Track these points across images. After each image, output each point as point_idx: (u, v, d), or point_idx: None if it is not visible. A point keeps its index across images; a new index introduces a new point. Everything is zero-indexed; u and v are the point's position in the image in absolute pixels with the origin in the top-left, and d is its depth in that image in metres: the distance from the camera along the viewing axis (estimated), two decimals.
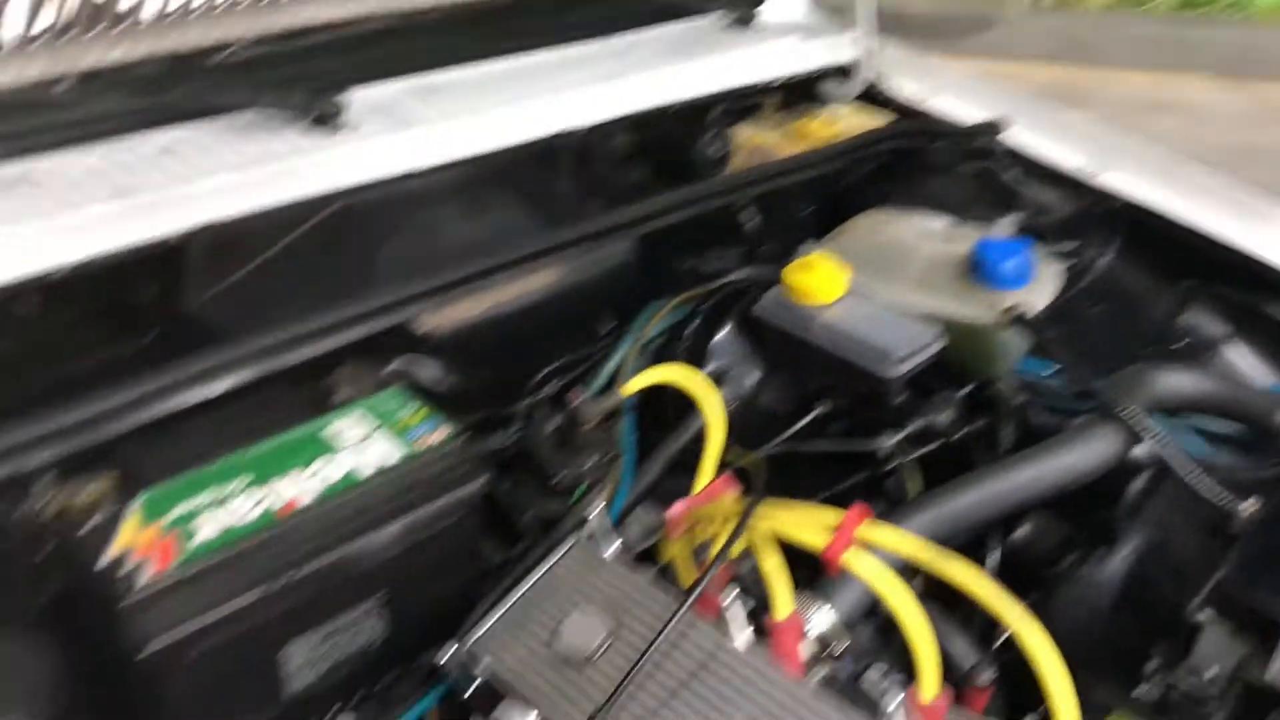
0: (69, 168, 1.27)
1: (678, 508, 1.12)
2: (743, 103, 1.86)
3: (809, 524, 1.04)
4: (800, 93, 1.92)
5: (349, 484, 1.05)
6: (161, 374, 1.09)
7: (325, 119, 1.42)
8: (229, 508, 1.01)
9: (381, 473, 1.07)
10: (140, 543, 0.97)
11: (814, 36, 1.93)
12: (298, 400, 1.16)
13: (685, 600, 0.99)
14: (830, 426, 1.40)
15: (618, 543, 1.09)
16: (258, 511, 1.01)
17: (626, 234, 1.46)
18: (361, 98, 1.48)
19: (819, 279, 1.40)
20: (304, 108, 1.41)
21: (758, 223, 1.64)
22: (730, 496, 1.14)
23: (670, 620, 0.98)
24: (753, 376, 1.46)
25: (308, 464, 1.07)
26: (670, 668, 0.98)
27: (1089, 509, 1.32)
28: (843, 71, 1.92)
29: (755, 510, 1.05)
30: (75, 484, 1.02)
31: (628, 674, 0.96)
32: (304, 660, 1.05)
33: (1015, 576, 1.34)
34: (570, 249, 1.41)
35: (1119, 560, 1.25)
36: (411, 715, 1.05)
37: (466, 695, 1.02)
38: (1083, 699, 1.09)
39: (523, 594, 1.07)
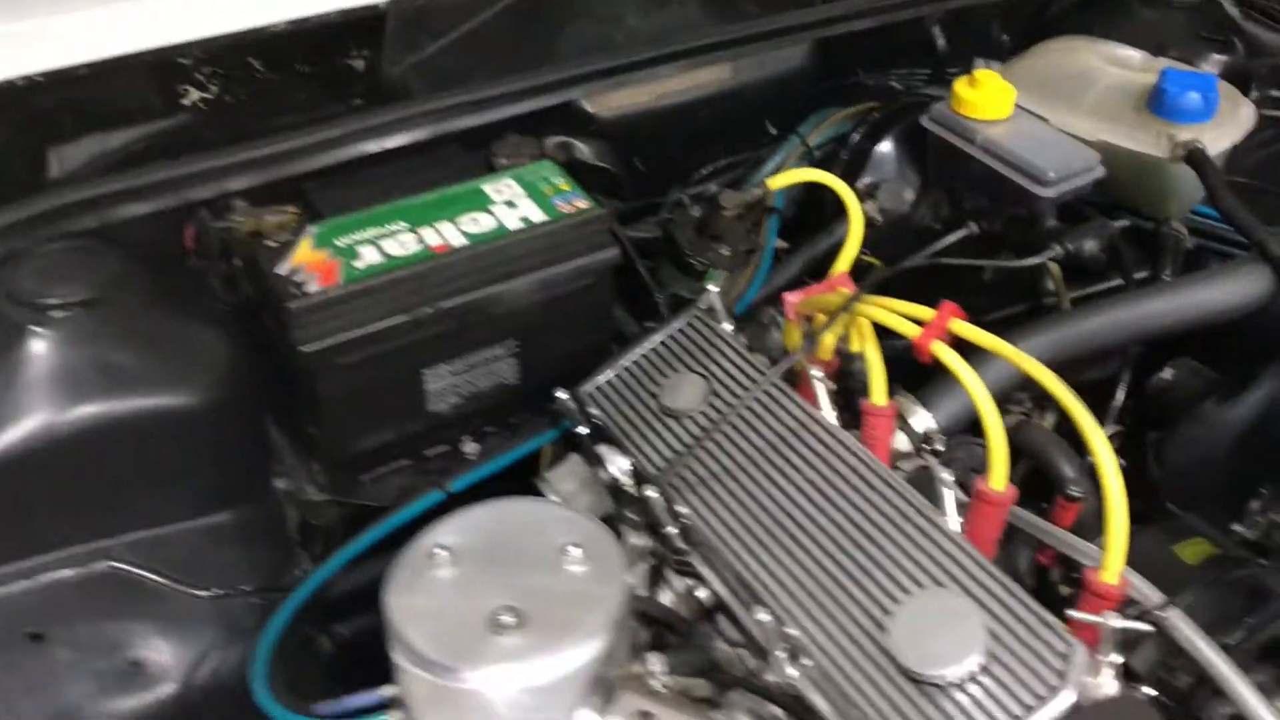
0: None
1: (795, 295, 1.18)
2: None
3: (907, 315, 1.08)
4: None
5: (495, 235, 1.17)
6: (344, 123, 1.23)
7: None
8: (389, 243, 1.15)
9: (524, 229, 1.18)
10: (311, 261, 1.13)
11: None
12: (462, 161, 1.28)
13: (776, 367, 1.07)
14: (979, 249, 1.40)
15: (730, 324, 1.16)
16: (415, 249, 1.15)
17: (805, 36, 1.48)
18: None
19: (986, 95, 1.39)
20: None
21: (945, 43, 1.61)
22: (846, 291, 1.19)
23: (760, 384, 1.06)
24: (909, 192, 1.47)
25: (461, 214, 1.19)
26: (759, 432, 1.06)
27: (1237, 358, 1.30)
28: None
29: (861, 301, 1.10)
30: (267, 210, 1.19)
31: (712, 427, 1.05)
32: (444, 386, 1.20)
33: (1153, 419, 1.35)
34: (745, 46, 1.44)
35: (1248, 404, 1.23)
36: (529, 446, 1.19)
37: (578, 435, 1.14)
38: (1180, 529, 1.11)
39: (640, 354, 1.17)
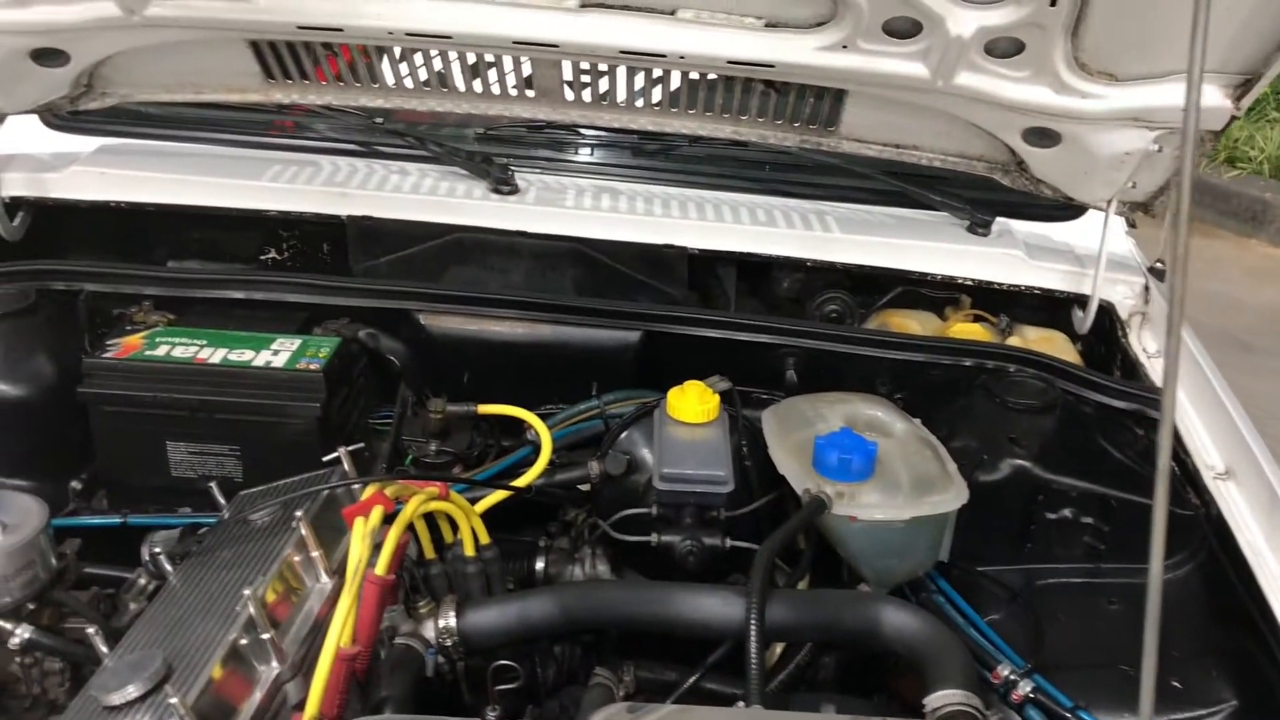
0: (326, 161, 2.04)
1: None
2: (925, 289, 1.96)
3: None
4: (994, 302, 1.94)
5: (239, 365, 1.62)
6: (227, 276, 1.79)
7: (503, 184, 1.99)
8: (178, 349, 1.65)
9: (259, 368, 1.62)
10: (129, 344, 1.66)
11: (1044, 259, 1.95)
12: (295, 322, 1.75)
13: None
14: None
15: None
16: (184, 356, 1.64)
17: (627, 324, 1.77)
18: (544, 180, 2.01)
19: (690, 402, 1.58)
20: (490, 175, 1.99)
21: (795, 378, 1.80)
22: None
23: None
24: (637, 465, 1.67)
25: (243, 348, 1.66)
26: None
27: None
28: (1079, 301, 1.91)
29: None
30: (156, 312, 1.76)
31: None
32: (183, 459, 1.64)
33: None
34: (575, 316, 1.77)
35: None
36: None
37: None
38: None
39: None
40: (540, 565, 1.63)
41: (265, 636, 1.19)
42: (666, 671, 1.46)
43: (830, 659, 1.48)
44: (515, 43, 1.73)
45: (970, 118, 1.79)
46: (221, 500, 1.51)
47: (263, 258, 2.08)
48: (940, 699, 1.17)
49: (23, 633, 1.26)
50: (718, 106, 1.91)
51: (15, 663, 1.27)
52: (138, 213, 2.00)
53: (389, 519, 1.34)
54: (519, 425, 1.75)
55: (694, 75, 1.87)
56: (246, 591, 1.20)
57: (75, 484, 1.69)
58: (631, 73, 1.90)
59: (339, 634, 1.18)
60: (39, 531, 1.30)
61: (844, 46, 1.66)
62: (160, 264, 2.06)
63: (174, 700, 1.05)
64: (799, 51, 1.67)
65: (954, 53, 1.61)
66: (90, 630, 1.22)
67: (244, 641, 1.19)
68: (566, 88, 1.90)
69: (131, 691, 1.10)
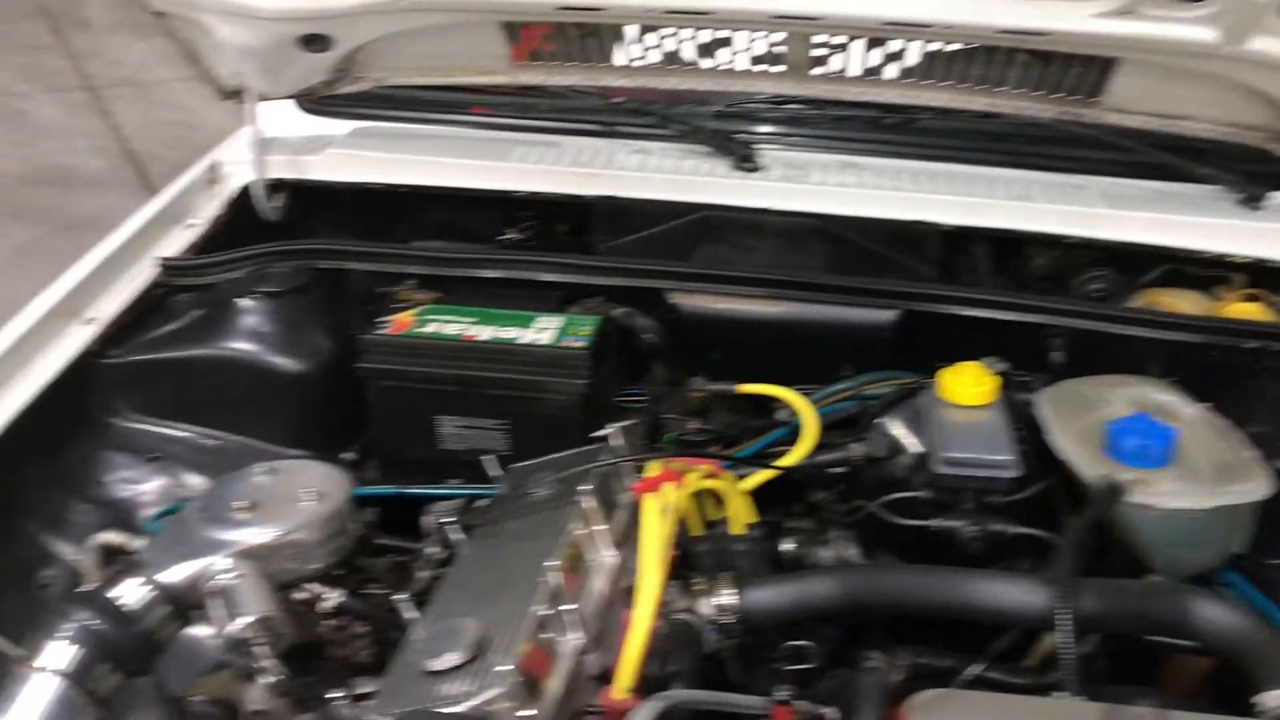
0: (568, 141, 2.06)
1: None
2: (1192, 267, 1.86)
3: None
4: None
5: (505, 341, 1.66)
6: (485, 255, 1.83)
7: (746, 162, 1.97)
8: (448, 326, 1.70)
9: (525, 345, 1.65)
10: (400, 321, 1.72)
11: None
12: (544, 299, 1.78)
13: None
14: None
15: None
16: (453, 333, 1.68)
17: (884, 302, 1.73)
18: (788, 156, 1.99)
19: (964, 382, 1.54)
20: (733, 153, 1.98)
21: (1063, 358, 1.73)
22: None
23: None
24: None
25: (507, 325, 1.69)
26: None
27: None
28: None
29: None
30: (421, 290, 1.81)
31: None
32: (452, 432, 1.69)
33: None
34: (831, 294, 1.74)
35: None
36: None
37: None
38: None
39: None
40: (788, 546, 1.61)
41: (570, 609, 1.21)
42: (940, 658, 1.43)
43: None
44: (775, 17, 1.71)
45: (1256, 84, 1.69)
46: (496, 472, 1.55)
47: (501, 237, 2.12)
48: (1276, 697, 1.11)
49: (335, 596, 1.31)
50: (973, 78, 1.85)
51: (325, 625, 1.32)
52: (381, 193, 2.06)
53: None
54: (767, 404, 1.74)
55: (950, 46, 1.82)
56: (549, 564, 1.23)
57: (348, 455, 1.75)
58: (878, 44, 1.86)
59: (651, 607, 1.19)
60: (346, 500, 1.35)
61: (1126, 13, 1.58)
62: (403, 243, 2.12)
63: (503, 669, 1.08)
64: (1076, 18, 1.60)
65: (1249, 16, 1.52)
66: (399, 597, 1.26)
67: (548, 613, 1.21)
68: (814, 62, 1.88)
69: (452, 659, 1.13)
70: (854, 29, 1.71)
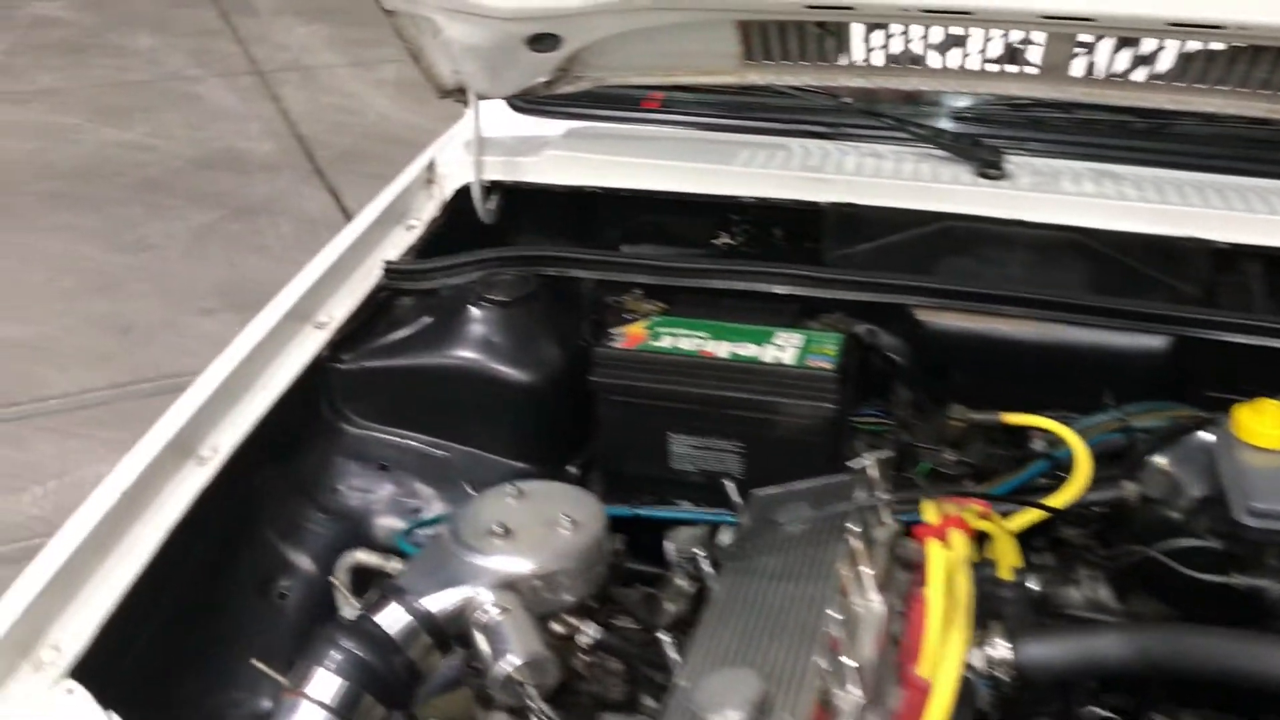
0: (795, 144, 1.96)
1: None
2: None
3: None
4: None
5: (747, 360, 1.58)
6: (714, 265, 1.74)
7: (991, 168, 1.85)
8: (683, 340, 1.62)
9: (766, 365, 1.56)
10: (633, 334, 1.65)
11: None
12: (776, 312, 1.69)
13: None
14: None
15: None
16: (690, 349, 1.61)
17: (1156, 327, 1.59)
18: (1035, 163, 1.86)
19: (1264, 423, 1.39)
20: (977, 159, 1.86)
21: None
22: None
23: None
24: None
25: (744, 341, 1.61)
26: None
27: None
28: None
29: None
30: (647, 300, 1.75)
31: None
32: (684, 451, 1.62)
33: None
34: (1093, 317, 1.61)
35: None
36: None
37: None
38: None
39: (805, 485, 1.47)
40: (1031, 585, 1.49)
41: (852, 664, 1.13)
42: None
43: None
44: (1044, 17, 1.58)
45: None
46: (736, 498, 1.47)
47: (714, 242, 2.04)
48: None
49: (592, 631, 1.25)
50: (1256, 82, 1.69)
51: (581, 660, 1.27)
52: (592, 195, 2.00)
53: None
54: (1020, 434, 1.62)
55: (1222, 47, 1.66)
56: (831, 613, 1.14)
57: (571, 469, 1.70)
58: (1130, 44, 1.72)
59: (955, 675, 1.10)
60: (603, 528, 1.29)
61: None
62: (612, 247, 2.06)
63: None
64: None
65: None
66: (664, 637, 1.20)
67: (827, 668, 1.13)
68: (1075, 64, 1.74)
69: (732, 715, 1.06)
70: (1134, 30, 1.57)
